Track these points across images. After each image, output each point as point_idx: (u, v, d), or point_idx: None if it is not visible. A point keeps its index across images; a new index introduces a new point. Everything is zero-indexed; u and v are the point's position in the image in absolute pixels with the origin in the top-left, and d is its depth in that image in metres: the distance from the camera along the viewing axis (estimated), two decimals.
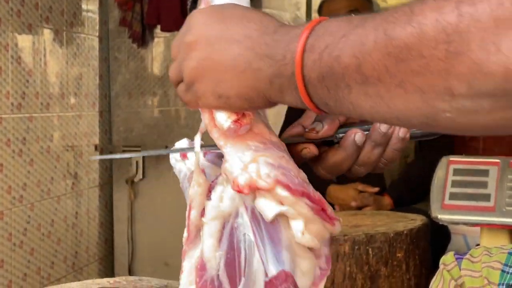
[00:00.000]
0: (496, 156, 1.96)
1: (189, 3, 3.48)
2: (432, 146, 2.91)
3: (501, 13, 0.54)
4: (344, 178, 2.92)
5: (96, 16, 3.82)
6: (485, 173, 1.88)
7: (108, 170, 3.93)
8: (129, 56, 3.87)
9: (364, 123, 0.82)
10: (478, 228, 1.96)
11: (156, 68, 3.88)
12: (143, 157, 3.86)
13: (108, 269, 3.93)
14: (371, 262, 2.02)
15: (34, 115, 3.24)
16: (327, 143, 0.82)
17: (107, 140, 3.90)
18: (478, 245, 2.02)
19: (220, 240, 0.75)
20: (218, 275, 0.75)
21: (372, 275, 2.02)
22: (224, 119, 0.74)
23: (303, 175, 0.74)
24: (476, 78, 0.55)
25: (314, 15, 3.55)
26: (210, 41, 0.72)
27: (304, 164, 0.82)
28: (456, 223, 1.94)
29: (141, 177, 3.87)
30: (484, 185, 1.86)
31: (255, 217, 0.73)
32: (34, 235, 3.24)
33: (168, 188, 3.72)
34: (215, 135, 0.76)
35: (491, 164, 1.88)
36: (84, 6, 3.69)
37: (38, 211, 3.27)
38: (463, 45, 0.55)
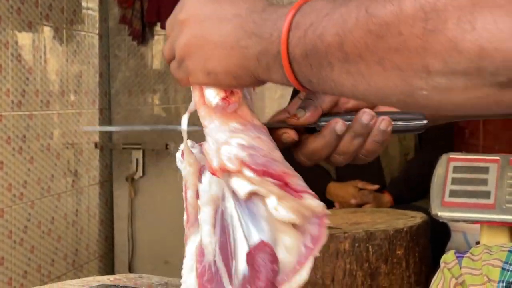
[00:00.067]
0: (496, 153, 1.96)
1: None
2: (432, 144, 2.92)
3: None
4: (344, 176, 2.93)
5: (96, 14, 3.82)
6: (485, 170, 1.88)
7: (108, 168, 3.93)
8: (129, 53, 3.87)
9: (348, 113, 0.82)
10: (478, 226, 1.96)
11: (156, 66, 3.88)
12: (144, 155, 3.86)
13: (108, 267, 3.93)
14: (371, 260, 2.02)
15: (34, 112, 3.24)
16: (310, 131, 0.83)
17: (107, 138, 3.90)
18: (478, 242, 2.02)
19: (214, 225, 0.76)
20: (214, 261, 0.75)
21: (372, 272, 2.02)
22: (212, 96, 0.75)
23: (276, 154, 0.75)
24: (452, 56, 0.56)
25: None
26: (201, 19, 0.74)
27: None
28: (456, 220, 1.94)
29: (141, 174, 3.87)
30: (484, 182, 1.86)
31: (237, 196, 0.74)
32: (34, 233, 3.24)
33: (168, 185, 3.72)
34: (201, 113, 0.78)
35: (491, 161, 1.89)
36: (84, 4, 3.69)
37: (38, 208, 3.27)
38: (440, 23, 0.56)
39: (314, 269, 2.02)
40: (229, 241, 0.75)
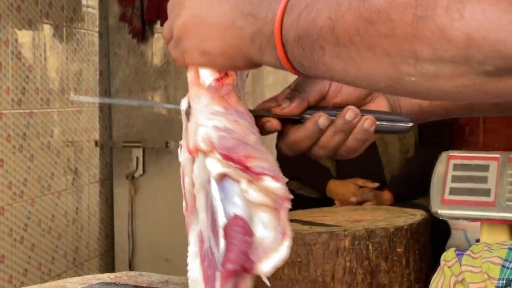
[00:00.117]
0: (496, 151, 1.96)
1: None
2: (432, 142, 2.92)
3: None
4: (345, 174, 2.93)
5: (96, 12, 3.82)
6: (485, 168, 1.88)
7: (108, 166, 3.93)
8: (129, 51, 3.87)
9: (334, 108, 0.83)
10: (478, 223, 1.96)
11: (156, 64, 3.88)
12: (144, 153, 3.86)
13: (108, 265, 3.93)
14: (371, 257, 2.02)
15: (34, 110, 3.24)
16: (295, 122, 0.83)
17: (107, 136, 3.90)
18: (478, 240, 2.02)
19: (207, 211, 0.77)
20: (210, 246, 0.76)
21: (372, 270, 2.02)
22: (206, 76, 0.76)
23: (250, 138, 0.75)
24: (440, 43, 0.57)
25: None
26: (200, 0, 0.75)
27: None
28: (456, 218, 1.95)
29: (141, 172, 3.87)
30: (484, 180, 1.86)
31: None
32: (34, 231, 3.24)
33: (168, 183, 3.72)
34: (191, 94, 0.79)
35: (491, 159, 1.89)
36: (84, 2, 3.69)
37: (38, 206, 3.27)
38: (429, 10, 0.57)
39: (314, 266, 2.03)
40: (217, 224, 0.75)
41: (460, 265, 1.07)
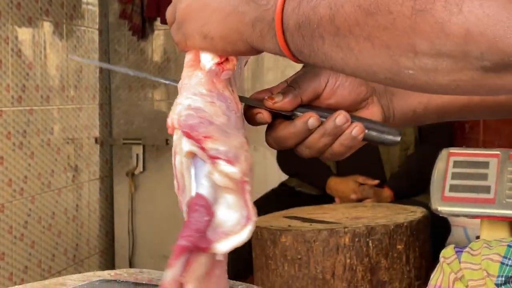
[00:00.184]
0: (496, 148, 1.96)
1: None
2: (432, 138, 2.92)
3: None
4: (345, 171, 2.93)
5: (96, 9, 3.81)
6: (485, 165, 1.88)
7: (108, 163, 3.93)
8: (129, 48, 3.87)
9: (326, 110, 0.82)
10: (478, 220, 1.96)
11: (156, 61, 3.88)
12: (144, 150, 3.86)
13: (108, 262, 3.93)
14: (372, 254, 2.02)
15: (34, 108, 3.24)
16: (286, 117, 0.83)
17: (107, 133, 3.91)
18: (478, 237, 2.02)
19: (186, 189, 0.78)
20: None
21: (373, 267, 2.03)
22: (207, 60, 0.77)
23: (219, 119, 0.75)
24: (438, 38, 0.57)
25: None
26: None
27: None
28: (456, 215, 1.95)
29: (141, 169, 3.87)
30: (484, 177, 1.86)
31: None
32: (34, 228, 3.24)
33: (168, 180, 3.70)
34: (184, 73, 0.79)
35: (491, 156, 1.88)
36: None
37: (38, 203, 3.27)
38: (428, 4, 0.57)
39: (314, 263, 2.03)
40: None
41: (459, 262, 1.07)
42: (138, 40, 3.81)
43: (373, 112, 0.86)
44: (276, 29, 0.69)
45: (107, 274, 1.15)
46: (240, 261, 2.39)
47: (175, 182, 0.80)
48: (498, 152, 1.89)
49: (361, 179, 2.88)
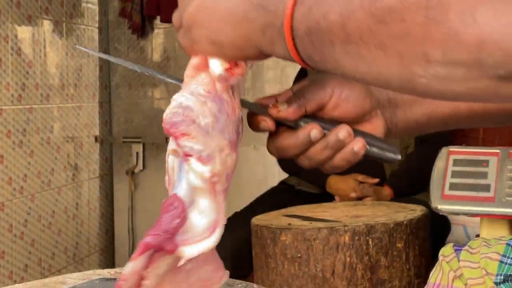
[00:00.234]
0: (496, 146, 1.96)
1: None
2: (432, 137, 2.91)
3: None
4: (344, 169, 2.92)
5: (95, 7, 3.81)
6: (485, 163, 1.88)
7: (108, 161, 3.93)
8: (129, 47, 3.87)
9: (330, 122, 0.82)
10: (478, 219, 1.96)
11: (156, 59, 3.88)
12: (144, 149, 3.86)
13: (108, 260, 3.94)
14: (371, 253, 2.02)
15: (34, 106, 3.24)
16: (289, 127, 0.83)
17: (107, 131, 3.91)
18: (478, 235, 2.02)
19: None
20: None
21: (372, 265, 2.03)
22: (217, 65, 0.76)
23: (204, 120, 0.75)
24: (451, 46, 0.57)
25: None
26: None
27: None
28: (456, 213, 1.94)
29: (141, 168, 3.87)
30: (484, 175, 1.86)
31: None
32: (34, 226, 3.24)
33: None
34: (187, 72, 0.79)
35: (491, 154, 1.88)
36: None
37: (38, 202, 3.28)
38: (442, 13, 0.57)
39: (314, 262, 2.03)
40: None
41: (458, 260, 1.07)
42: (138, 39, 3.81)
43: (376, 125, 0.86)
44: (286, 36, 0.68)
45: (107, 272, 1.15)
46: (240, 260, 2.39)
47: (166, 177, 0.80)
48: (498, 151, 1.89)
49: (361, 177, 2.88)
